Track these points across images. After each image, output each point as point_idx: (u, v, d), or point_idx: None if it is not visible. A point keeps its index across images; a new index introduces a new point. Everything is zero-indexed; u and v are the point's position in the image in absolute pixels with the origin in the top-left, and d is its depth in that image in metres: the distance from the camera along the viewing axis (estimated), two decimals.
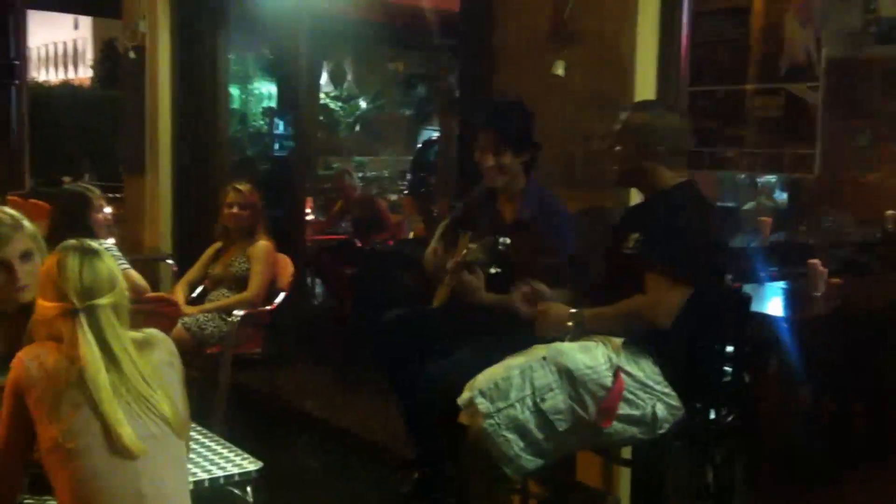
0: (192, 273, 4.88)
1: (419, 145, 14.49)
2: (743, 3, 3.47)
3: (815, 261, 4.37)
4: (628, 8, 3.44)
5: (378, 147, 15.75)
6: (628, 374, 2.64)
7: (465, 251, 3.10)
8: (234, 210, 4.74)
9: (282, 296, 4.69)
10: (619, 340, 2.67)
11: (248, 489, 2.50)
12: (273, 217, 5.28)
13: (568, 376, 2.60)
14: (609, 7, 3.53)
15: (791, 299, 4.34)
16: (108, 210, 4.83)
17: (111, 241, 4.33)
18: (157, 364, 2.06)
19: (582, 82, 3.62)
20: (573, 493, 3.19)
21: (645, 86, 3.46)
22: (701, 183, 3.02)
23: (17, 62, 8.16)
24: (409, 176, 12.55)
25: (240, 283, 4.66)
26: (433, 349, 3.07)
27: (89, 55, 24.75)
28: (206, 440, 2.67)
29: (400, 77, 15.87)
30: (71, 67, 30.16)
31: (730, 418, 2.91)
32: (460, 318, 3.14)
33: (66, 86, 17.36)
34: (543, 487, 3.11)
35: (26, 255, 2.34)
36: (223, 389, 4.26)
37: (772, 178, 7.92)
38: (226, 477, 2.45)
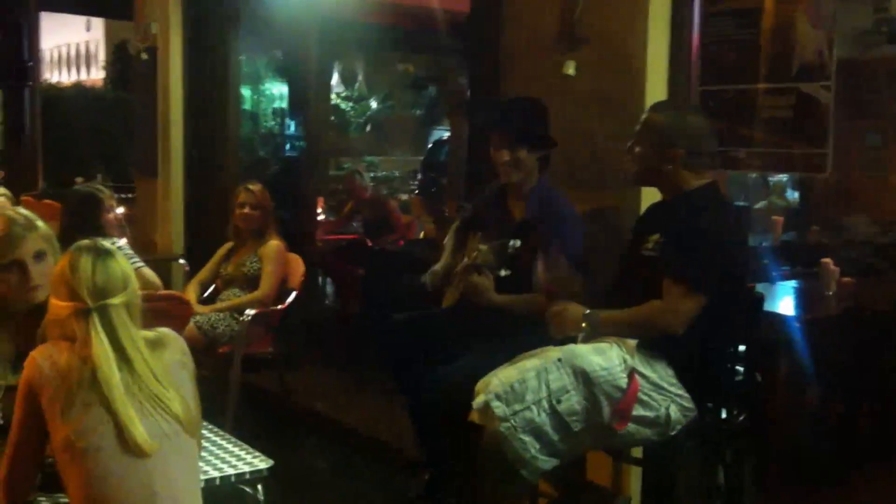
0: (204, 273, 4.91)
1: (430, 146, 14.51)
2: (753, 3, 3.45)
3: (827, 260, 4.36)
4: (638, 9, 3.43)
5: (388, 147, 15.78)
6: (643, 375, 2.63)
7: (474, 253, 3.10)
8: (246, 210, 4.76)
9: (293, 295, 4.71)
10: (633, 342, 2.67)
11: (259, 487, 2.50)
12: (284, 217, 5.29)
13: (583, 378, 2.59)
14: (618, 8, 3.52)
15: (802, 299, 4.33)
16: (119, 210, 4.85)
17: (123, 240, 4.35)
18: (169, 363, 2.06)
19: (591, 84, 3.61)
20: (584, 492, 3.17)
21: (655, 87, 3.44)
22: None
23: (30, 64, 8.18)
24: (419, 176, 12.57)
25: (251, 282, 4.68)
26: (439, 350, 3.07)
27: (101, 57, 24.82)
28: (217, 438, 2.67)
29: (410, 78, 15.90)
30: (83, 69, 30.26)
31: (741, 418, 2.90)
32: (468, 320, 3.14)
33: (78, 87, 17.42)
34: (554, 487, 3.11)
35: (39, 256, 2.36)
36: (234, 389, 4.28)
37: (783, 177, 7.91)
38: (237, 475, 2.45)
